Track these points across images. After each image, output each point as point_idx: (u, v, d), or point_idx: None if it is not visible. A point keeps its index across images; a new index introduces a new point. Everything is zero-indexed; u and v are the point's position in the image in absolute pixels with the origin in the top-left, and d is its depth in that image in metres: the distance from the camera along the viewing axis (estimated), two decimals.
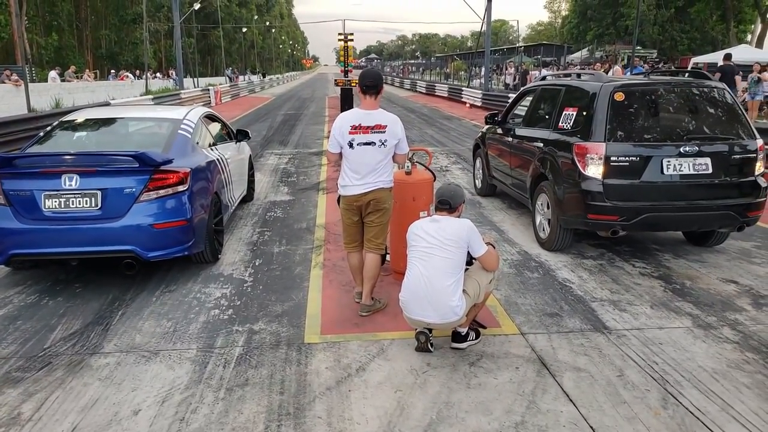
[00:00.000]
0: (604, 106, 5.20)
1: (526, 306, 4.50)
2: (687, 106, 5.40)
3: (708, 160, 5.11)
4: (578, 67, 23.83)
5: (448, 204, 3.70)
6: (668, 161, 5.07)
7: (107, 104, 17.38)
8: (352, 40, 19.03)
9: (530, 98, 7.09)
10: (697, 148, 5.08)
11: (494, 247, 3.83)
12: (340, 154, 4.24)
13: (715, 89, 5.46)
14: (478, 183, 8.53)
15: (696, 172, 5.11)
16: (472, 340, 3.82)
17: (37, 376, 3.53)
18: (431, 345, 3.73)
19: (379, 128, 4.12)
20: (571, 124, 5.61)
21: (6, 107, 16.80)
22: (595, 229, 5.45)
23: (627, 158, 5.09)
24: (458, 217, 3.74)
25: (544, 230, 5.91)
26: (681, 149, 5.07)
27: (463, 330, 3.76)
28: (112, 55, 51.63)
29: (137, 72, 36.54)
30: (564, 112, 5.81)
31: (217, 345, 3.90)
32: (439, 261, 3.49)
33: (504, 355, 3.73)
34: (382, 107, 4.23)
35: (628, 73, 17.21)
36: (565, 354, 3.73)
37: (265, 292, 4.83)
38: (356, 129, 4.13)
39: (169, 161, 4.87)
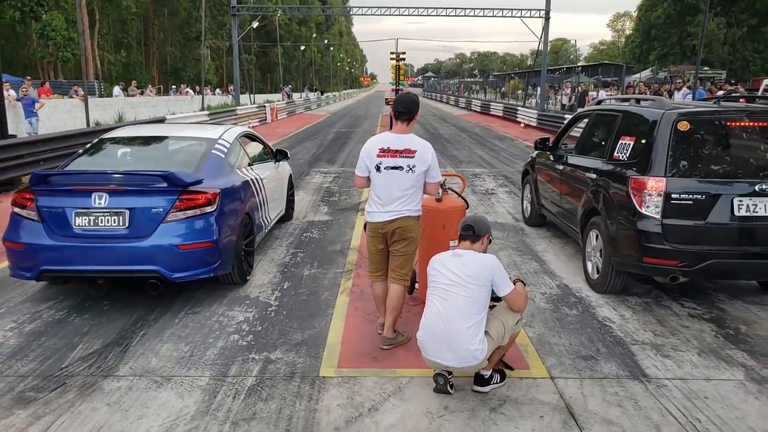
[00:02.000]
0: (666, 136, 4.71)
1: (560, 346, 4.19)
2: (764, 137, 4.78)
3: None
4: (636, 90, 22.89)
5: (471, 230, 3.48)
6: (740, 200, 4.54)
7: (163, 120, 17.94)
8: (404, 59, 19.05)
9: (584, 123, 6.64)
10: None
11: (524, 284, 3.57)
12: (368, 178, 4.12)
13: None
14: (527, 210, 8.05)
15: None
16: (496, 383, 3.56)
17: (48, 398, 3.51)
18: (451, 387, 3.49)
19: (408, 153, 3.98)
20: (627, 154, 5.15)
21: (72, 121, 17.72)
22: (651, 274, 4.89)
23: (691, 196, 4.57)
24: (483, 251, 3.51)
25: (594, 269, 5.40)
26: (756, 187, 4.52)
27: (487, 372, 3.50)
28: (176, 71, 53.85)
29: (197, 88, 37.76)
30: (620, 141, 5.33)
31: (230, 373, 3.79)
32: (460, 300, 3.26)
33: (529, 401, 3.45)
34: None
35: (689, 96, 16.29)
36: (597, 403, 3.42)
37: (288, 318, 4.71)
38: (384, 152, 4.00)
39: (199, 182, 4.86)
